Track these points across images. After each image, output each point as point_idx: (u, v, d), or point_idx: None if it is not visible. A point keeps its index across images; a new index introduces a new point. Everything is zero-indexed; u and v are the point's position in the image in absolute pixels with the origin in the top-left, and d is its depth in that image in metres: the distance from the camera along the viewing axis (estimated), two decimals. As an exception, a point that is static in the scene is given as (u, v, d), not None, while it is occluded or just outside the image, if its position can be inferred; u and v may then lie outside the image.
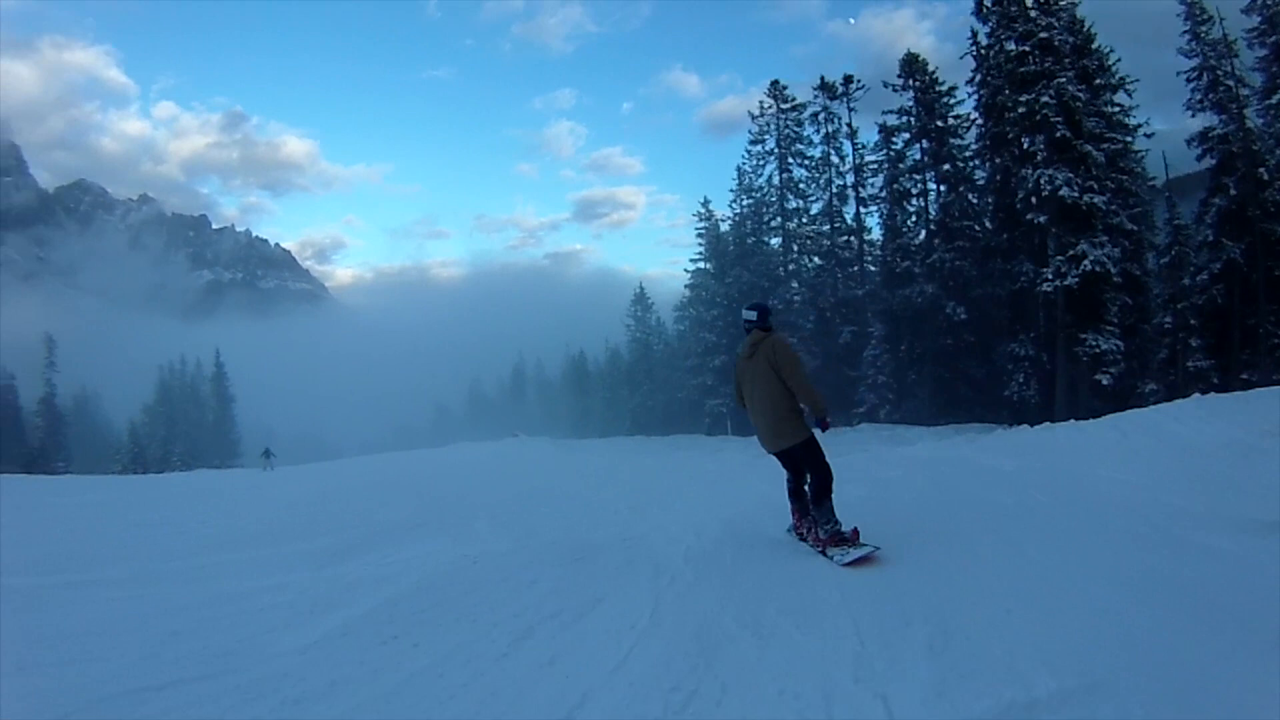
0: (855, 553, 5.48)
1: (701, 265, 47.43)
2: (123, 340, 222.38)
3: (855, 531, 5.68)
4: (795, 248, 42.45)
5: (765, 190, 43.50)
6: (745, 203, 44.34)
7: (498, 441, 38.69)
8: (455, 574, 6.18)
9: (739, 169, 44.27)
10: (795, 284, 42.17)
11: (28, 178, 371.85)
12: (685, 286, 48.45)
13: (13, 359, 67.43)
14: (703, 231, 47.28)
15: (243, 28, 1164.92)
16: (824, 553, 5.70)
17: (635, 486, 12.32)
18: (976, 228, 34.24)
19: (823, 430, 6.10)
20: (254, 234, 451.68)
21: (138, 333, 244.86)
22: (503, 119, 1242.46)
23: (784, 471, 6.40)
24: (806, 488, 6.07)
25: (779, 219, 42.96)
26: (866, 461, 11.68)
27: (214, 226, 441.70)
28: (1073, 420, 15.80)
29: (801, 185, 42.53)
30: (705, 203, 47.47)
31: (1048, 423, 18.08)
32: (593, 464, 19.95)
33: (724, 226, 46.31)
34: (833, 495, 5.82)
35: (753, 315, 6.19)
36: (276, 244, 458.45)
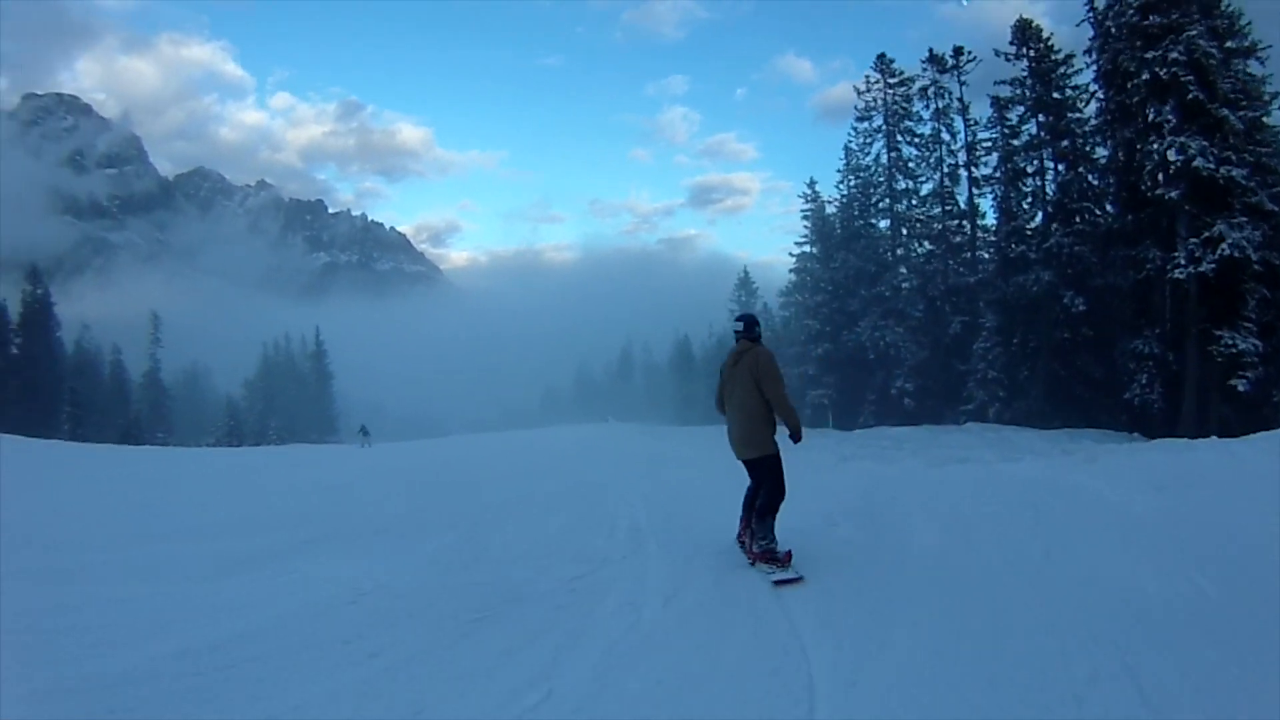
0: (783, 574, 5.76)
1: (807, 249, 45.71)
2: (237, 318, 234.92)
3: (788, 554, 5.97)
4: (904, 231, 40.27)
5: (873, 170, 41.32)
6: (852, 184, 42.26)
7: (589, 425, 38.66)
8: (314, 614, 5.40)
9: (846, 148, 42.20)
10: (904, 269, 40.05)
11: (148, 166, 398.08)
12: (790, 271, 46.83)
13: (129, 334, 72.38)
14: (808, 214, 45.62)
15: (356, 20, 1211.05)
16: (753, 564, 6.09)
17: (685, 489, 11.15)
18: (1097, 211, 31.52)
19: (794, 442, 6.29)
20: (370, 218, 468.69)
21: (253, 312, 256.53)
22: (616, 105, 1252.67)
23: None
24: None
25: (887, 200, 40.81)
26: (956, 488, 9.32)
27: (330, 211, 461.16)
28: (1214, 437, 13.30)
29: (911, 165, 40.18)
30: (811, 184, 46.02)
31: (1183, 439, 16.20)
32: (668, 454, 19.74)
33: (830, 209, 44.50)
34: (776, 515, 6.16)
35: (739, 326, 6.52)
36: (392, 227, 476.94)
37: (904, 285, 39.28)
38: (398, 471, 19.64)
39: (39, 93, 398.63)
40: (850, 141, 41.96)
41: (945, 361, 37.08)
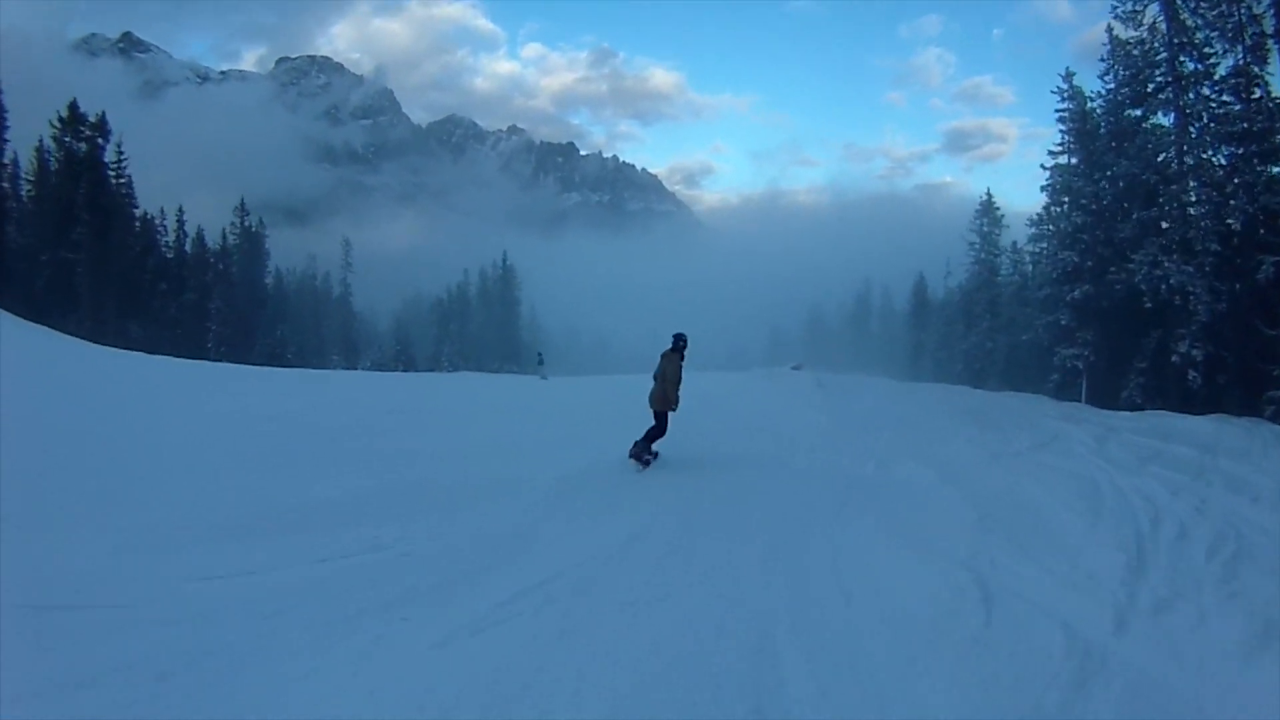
0: (639, 467, 11.48)
1: (1063, 160, 34.62)
2: (484, 253, 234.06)
3: (648, 462, 11.60)
4: (1193, 130, 28.53)
5: (1147, 46, 29.57)
6: (1121, 72, 31.24)
7: (758, 371, 33.75)
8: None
9: (1109, 27, 30.95)
10: (1193, 184, 28.05)
11: (402, 116, 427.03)
12: (1041, 190, 36.02)
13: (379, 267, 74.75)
14: (1065, 114, 34.38)
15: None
16: (630, 456, 11.62)
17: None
18: None
19: (672, 410, 11.77)
20: (621, 159, 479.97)
21: (499, 246, 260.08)
22: (869, 48, 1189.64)
23: None
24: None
25: (1169, 90, 29.23)
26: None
27: (582, 153, 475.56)
28: None
29: (1199, 37, 28.27)
30: (1068, 76, 34.87)
31: None
32: (812, 426, 16.62)
33: (1094, 105, 33.25)
34: (656, 442, 11.78)
35: (675, 339, 12.07)
36: (644, 169, 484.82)
37: (1192, 207, 27.75)
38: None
39: (291, 56, 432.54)
40: (1115, 10, 30.28)
41: (1247, 322, 25.83)
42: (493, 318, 74.82)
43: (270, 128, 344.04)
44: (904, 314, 77.72)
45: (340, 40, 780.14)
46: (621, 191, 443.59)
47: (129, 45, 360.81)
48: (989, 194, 46.88)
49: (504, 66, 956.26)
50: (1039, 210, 39.22)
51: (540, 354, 44.90)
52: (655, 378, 11.88)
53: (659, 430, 11.69)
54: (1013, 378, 41.35)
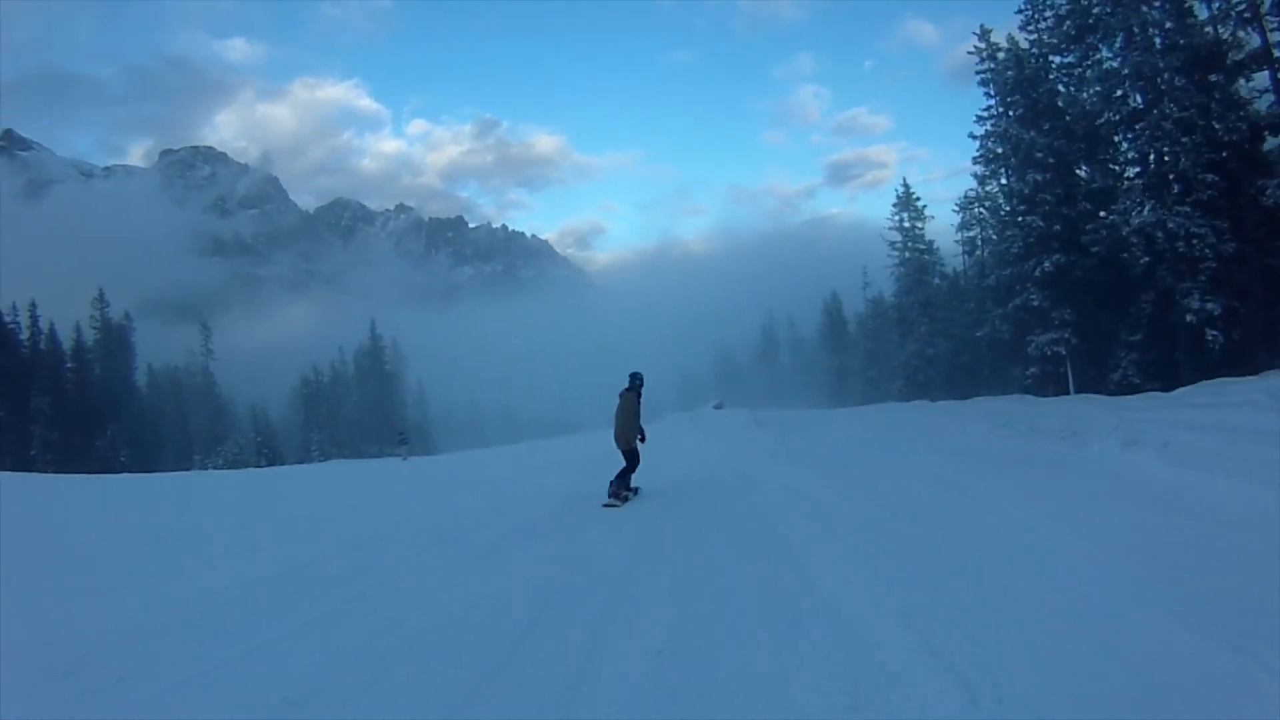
0: (612, 504, 11.17)
1: (989, 125, 30.35)
2: (392, 334, 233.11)
3: (625, 499, 11.42)
4: (1149, 58, 23.61)
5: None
6: (1048, 16, 27.42)
7: (679, 415, 28.62)
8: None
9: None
10: (1173, 108, 22.71)
11: (289, 203, 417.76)
12: (974, 162, 31.36)
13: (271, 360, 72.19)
14: (987, 74, 30.48)
15: (483, 42, 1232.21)
16: (609, 496, 11.34)
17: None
18: None
19: (641, 442, 12.05)
20: (511, 228, 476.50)
21: (393, 325, 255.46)
22: (746, 91, 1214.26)
23: None
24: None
25: (1115, 12, 24.38)
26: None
27: (471, 225, 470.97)
28: None
29: None
30: (984, 33, 31.04)
31: None
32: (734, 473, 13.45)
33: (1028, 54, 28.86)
34: (631, 476, 11.73)
35: (632, 379, 12.14)
36: (534, 235, 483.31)
37: (1166, 142, 22.77)
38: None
39: (175, 148, 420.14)
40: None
41: (1261, 263, 21.16)
42: (368, 397, 67.32)
43: (158, 222, 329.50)
44: (816, 340, 73.91)
45: (226, 129, 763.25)
46: (514, 260, 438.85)
47: (10, 143, 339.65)
48: (905, 185, 42.17)
49: (390, 145, 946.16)
50: (968, 191, 34.99)
51: (402, 433, 43.98)
52: (615, 418, 12.10)
53: (631, 466, 11.85)
54: (960, 384, 36.52)
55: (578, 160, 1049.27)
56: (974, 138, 31.05)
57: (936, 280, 41.47)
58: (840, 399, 58.08)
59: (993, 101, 30.12)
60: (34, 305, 53.59)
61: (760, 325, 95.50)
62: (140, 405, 58.51)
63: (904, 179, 42.87)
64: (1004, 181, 30.77)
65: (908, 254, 41.22)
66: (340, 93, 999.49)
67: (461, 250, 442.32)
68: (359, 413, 66.04)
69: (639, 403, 11.95)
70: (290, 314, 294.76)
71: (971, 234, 37.56)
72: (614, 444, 12.04)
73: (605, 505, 10.98)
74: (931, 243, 42.10)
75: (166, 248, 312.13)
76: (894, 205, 41.70)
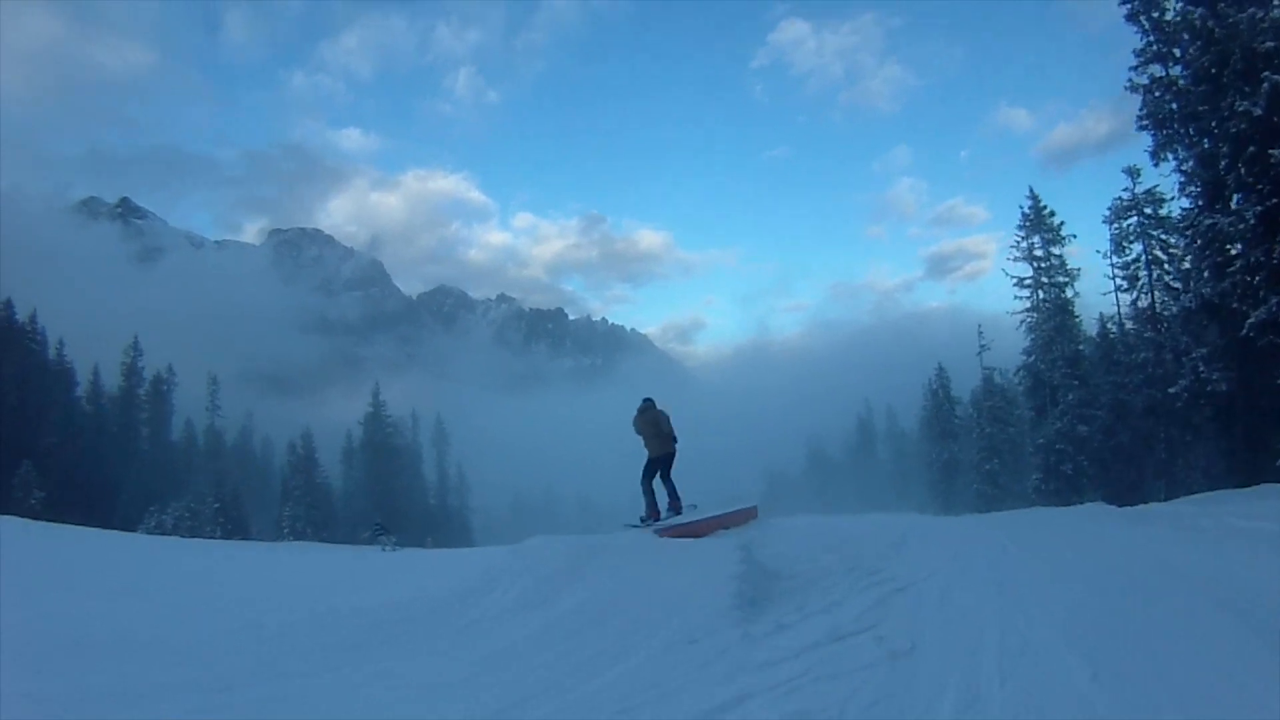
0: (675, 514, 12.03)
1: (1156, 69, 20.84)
2: (469, 418, 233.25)
3: (679, 510, 12.20)
4: None
5: None
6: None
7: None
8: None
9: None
10: None
11: (393, 287, 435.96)
12: (1139, 126, 20.81)
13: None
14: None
15: (588, 138, 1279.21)
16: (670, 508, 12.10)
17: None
18: None
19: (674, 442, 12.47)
20: (611, 322, 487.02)
21: (483, 410, 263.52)
22: (845, 185, 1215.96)
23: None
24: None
25: None
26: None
27: (571, 318, 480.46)
28: None
29: None
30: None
31: None
32: None
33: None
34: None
35: (645, 402, 12.50)
36: (633, 329, 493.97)
37: None
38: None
39: (283, 228, 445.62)
40: None
41: None
42: (372, 475, 58.74)
43: (264, 296, 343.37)
44: (917, 431, 63.61)
45: (337, 213, 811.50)
46: (613, 353, 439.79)
47: (126, 211, 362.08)
48: (1034, 199, 31.32)
49: (496, 236, 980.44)
50: (1122, 194, 24.35)
51: (379, 523, 39.56)
52: (641, 433, 12.35)
53: (667, 471, 12.30)
54: (1118, 475, 25.14)
55: (681, 256, 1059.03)
56: (1131, 87, 20.76)
57: (1082, 326, 30.26)
58: (949, 499, 47.27)
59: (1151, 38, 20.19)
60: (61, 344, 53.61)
61: (856, 416, 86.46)
62: (142, 456, 53.78)
63: (1030, 191, 31.18)
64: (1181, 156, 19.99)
65: (1041, 293, 30.13)
66: (450, 184, 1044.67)
67: (561, 341, 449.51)
68: (354, 492, 58.11)
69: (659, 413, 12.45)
70: (391, 392, 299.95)
71: (1131, 257, 26.33)
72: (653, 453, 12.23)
73: (648, 524, 11.80)
74: (1077, 270, 31.09)
75: (271, 322, 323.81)
76: (1019, 230, 30.87)
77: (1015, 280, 30.90)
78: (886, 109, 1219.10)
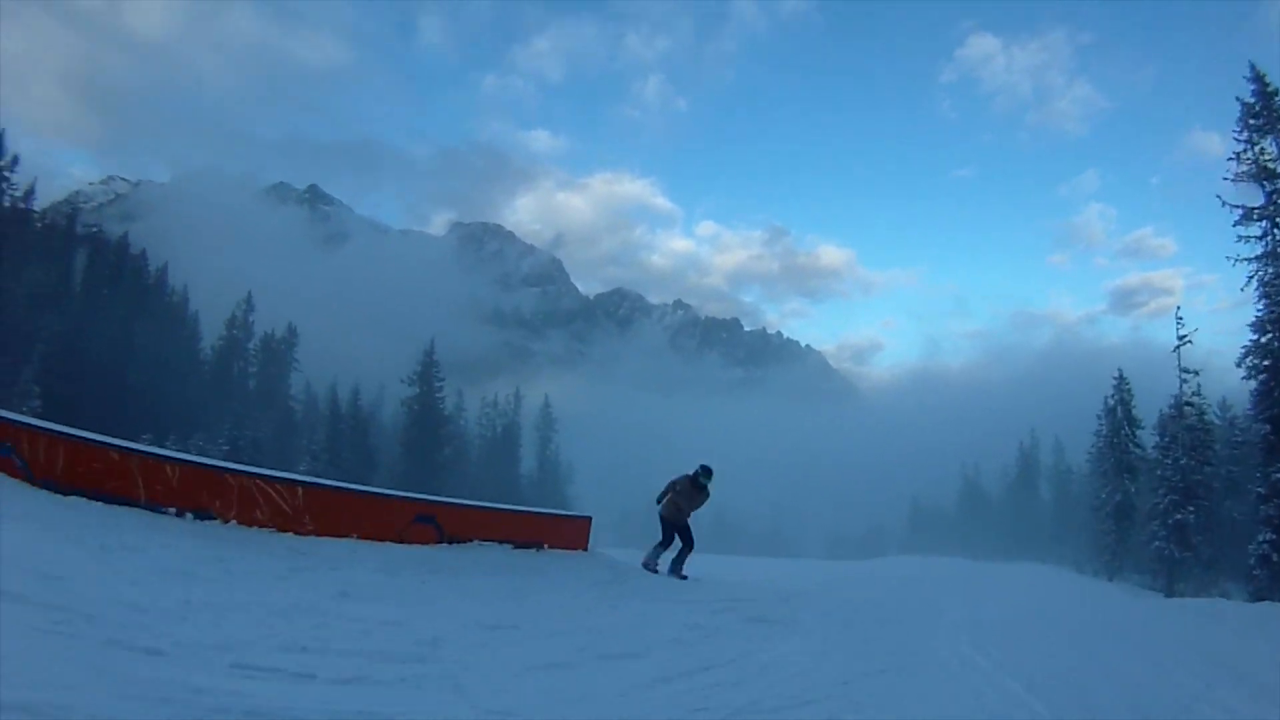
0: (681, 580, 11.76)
1: None
2: (638, 418, 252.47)
3: (685, 577, 11.94)
4: None
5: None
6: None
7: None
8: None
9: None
10: None
11: (570, 286, 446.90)
12: None
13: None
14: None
15: (775, 149, 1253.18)
16: (673, 575, 11.93)
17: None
18: None
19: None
20: (786, 335, 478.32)
21: (651, 412, 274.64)
22: (1030, 210, 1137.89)
23: None
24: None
25: None
26: None
27: (746, 329, 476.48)
28: None
29: None
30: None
31: None
32: None
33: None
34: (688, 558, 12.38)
35: (707, 474, 12.49)
36: (808, 345, 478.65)
37: None
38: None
39: (466, 221, 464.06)
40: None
41: None
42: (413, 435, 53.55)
43: (443, 285, 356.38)
44: (1085, 468, 52.10)
45: (523, 211, 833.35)
46: (785, 367, 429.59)
47: (314, 198, 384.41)
48: (1259, 79, 19.60)
49: (679, 243, 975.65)
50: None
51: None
52: (676, 501, 12.48)
53: (690, 541, 12.50)
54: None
55: (861, 274, 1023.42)
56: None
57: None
58: (1119, 554, 36.81)
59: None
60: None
61: (1019, 447, 74.82)
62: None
63: (1252, 70, 19.38)
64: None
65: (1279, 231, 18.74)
66: (636, 189, 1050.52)
67: (734, 352, 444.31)
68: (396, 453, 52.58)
69: (695, 493, 12.50)
70: (559, 387, 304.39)
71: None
72: (668, 518, 12.50)
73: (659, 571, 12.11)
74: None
75: (447, 309, 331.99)
76: (1236, 134, 19.59)
77: (1238, 213, 19.75)
78: (1074, 130, 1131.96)
